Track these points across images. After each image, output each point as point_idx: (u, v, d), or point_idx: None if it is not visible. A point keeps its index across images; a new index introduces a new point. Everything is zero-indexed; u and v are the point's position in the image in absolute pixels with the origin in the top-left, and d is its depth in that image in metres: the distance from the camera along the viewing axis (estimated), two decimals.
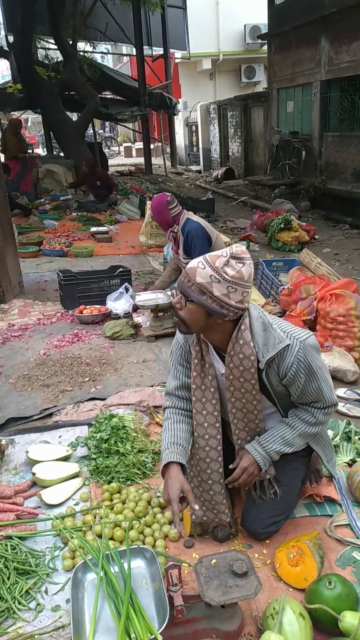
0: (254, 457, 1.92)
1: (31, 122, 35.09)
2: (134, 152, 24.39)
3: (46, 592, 1.92)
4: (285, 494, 2.07)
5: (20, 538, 2.11)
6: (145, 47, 15.05)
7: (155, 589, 1.73)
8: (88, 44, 15.03)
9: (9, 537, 2.09)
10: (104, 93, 15.69)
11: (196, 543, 2.12)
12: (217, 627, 1.70)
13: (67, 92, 13.26)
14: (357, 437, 2.65)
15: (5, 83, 16.16)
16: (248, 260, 1.70)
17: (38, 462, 2.57)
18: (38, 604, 1.86)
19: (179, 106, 18.40)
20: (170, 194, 4.15)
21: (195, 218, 4.07)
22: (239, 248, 1.72)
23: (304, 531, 2.17)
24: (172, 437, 1.95)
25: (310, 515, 2.26)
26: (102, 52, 18.68)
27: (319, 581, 1.77)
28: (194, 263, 1.73)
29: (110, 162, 19.79)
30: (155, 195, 4.20)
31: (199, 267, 1.70)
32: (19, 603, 1.84)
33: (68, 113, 13.79)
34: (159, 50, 17.21)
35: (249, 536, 2.12)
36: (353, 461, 2.51)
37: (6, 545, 2.02)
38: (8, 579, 1.89)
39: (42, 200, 10.64)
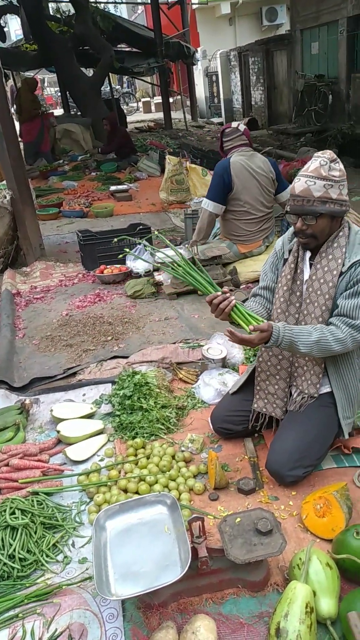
0: (272, 329, 1.92)
1: (47, 82, 34.42)
2: (153, 107, 23.73)
3: (73, 545, 1.94)
4: (313, 436, 2.06)
5: (46, 494, 2.14)
6: None
7: (179, 534, 1.72)
8: None
9: (35, 493, 2.11)
10: (119, 46, 15.14)
11: (221, 496, 2.11)
12: (243, 578, 1.70)
13: (81, 47, 12.84)
14: None
15: (18, 41, 15.75)
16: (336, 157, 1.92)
17: (63, 420, 2.59)
18: (65, 557, 1.89)
19: (198, 55, 17.67)
20: (237, 125, 4.04)
21: (240, 159, 3.95)
22: (327, 152, 1.93)
23: (331, 483, 2.13)
24: (246, 305, 2.20)
25: (337, 466, 2.21)
26: (115, 2, 17.93)
27: (347, 531, 1.73)
28: (300, 184, 1.91)
29: (129, 118, 19.28)
30: None
31: (309, 184, 1.89)
32: (47, 556, 1.88)
33: (83, 69, 13.40)
34: None
35: (274, 479, 2.11)
36: None
37: (32, 500, 2.04)
38: (35, 532, 1.92)
39: (61, 161, 10.49)
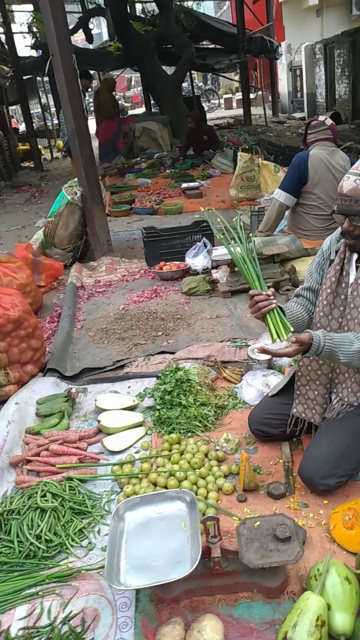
0: (313, 339, 1.84)
1: (134, 81, 35.26)
2: (234, 104, 23.60)
3: (99, 532, 2.00)
4: (348, 445, 1.99)
5: (80, 480, 2.22)
6: None
7: (194, 532, 1.72)
8: None
9: (70, 479, 2.20)
10: (202, 43, 15.20)
11: (250, 498, 2.08)
12: (258, 582, 1.67)
13: (164, 46, 13.02)
14: None
15: (104, 43, 16.27)
16: None
17: (105, 410, 2.67)
18: (90, 543, 1.95)
19: (282, 49, 17.30)
20: (324, 119, 3.96)
21: (320, 153, 3.85)
22: None
23: None
24: (285, 305, 2.14)
25: None
26: None
27: None
28: (349, 183, 1.83)
29: (210, 115, 19.33)
30: None
31: (358, 184, 1.80)
32: (72, 540, 1.95)
33: (166, 68, 13.58)
34: None
35: (306, 486, 2.06)
36: None
37: (65, 485, 2.13)
38: (63, 516, 2.00)
39: (138, 158, 10.72)
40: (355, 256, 2.02)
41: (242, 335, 3.30)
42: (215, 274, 4.24)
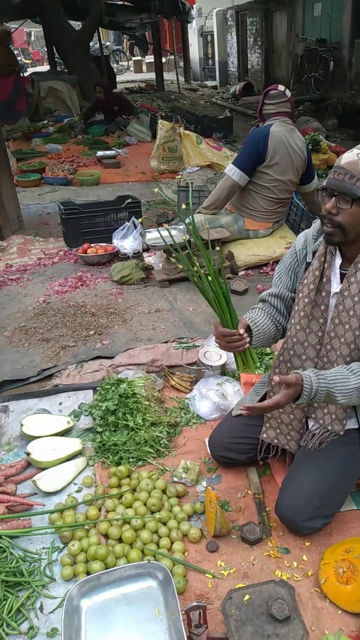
0: (303, 381, 1.51)
1: (34, 36, 32.64)
2: (144, 67, 22.61)
3: (41, 609, 1.58)
4: (335, 480, 1.72)
5: (10, 537, 1.76)
6: None
7: (173, 620, 1.37)
8: None
9: None
10: None
11: (221, 545, 1.76)
12: None
13: None
14: None
15: None
16: None
17: (34, 437, 2.20)
18: (31, 627, 1.52)
19: (193, 13, 16.64)
20: (284, 89, 3.54)
21: (281, 131, 3.48)
22: None
23: (351, 528, 1.80)
24: (250, 316, 1.82)
25: (358, 508, 1.87)
26: None
27: None
28: (350, 155, 1.53)
29: (119, 78, 18.32)
30: None
31: None
32: (7, 625, 1.51)
33: (72, 23, 12.45)
34: None
35: (286, 528, 1.77)
36: None
37: None
38: None
39: (45, 122, 9.80)
40: (338, 261, 1.70)
41: (188, 333, 2.93)
42: (148, 258, 3.81)
